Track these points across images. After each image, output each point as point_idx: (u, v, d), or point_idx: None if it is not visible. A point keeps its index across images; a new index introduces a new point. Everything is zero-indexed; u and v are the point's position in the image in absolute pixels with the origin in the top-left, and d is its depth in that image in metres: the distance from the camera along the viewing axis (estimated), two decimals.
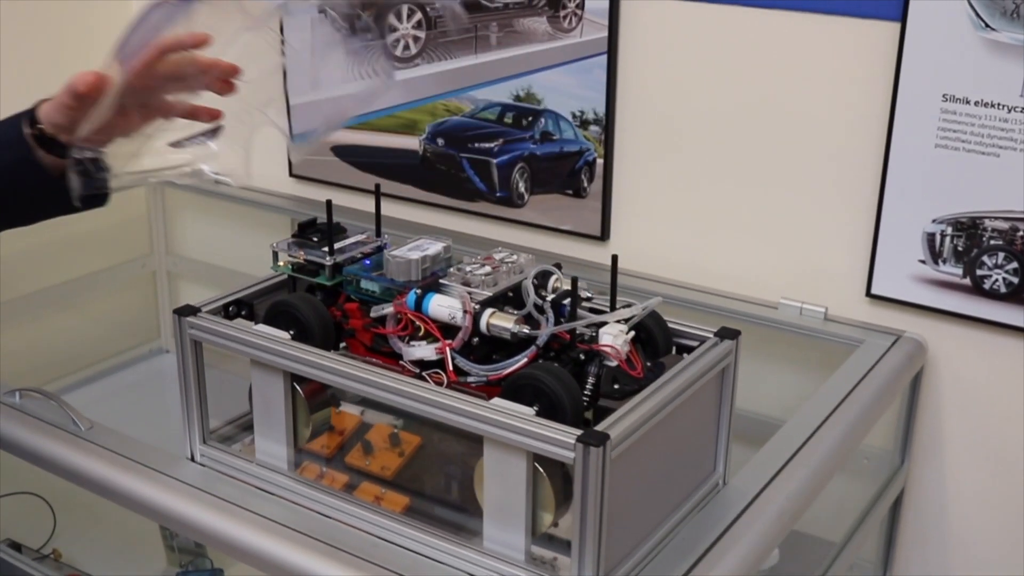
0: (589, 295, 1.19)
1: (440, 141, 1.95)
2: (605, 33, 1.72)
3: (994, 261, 1.52)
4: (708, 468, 1.23)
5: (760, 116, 1.64)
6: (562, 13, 1.76)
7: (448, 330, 1.15)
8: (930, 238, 1.56)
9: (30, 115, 1.11)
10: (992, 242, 1.51)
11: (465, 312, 1.13)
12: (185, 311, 1.24)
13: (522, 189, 1.89)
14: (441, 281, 1.18)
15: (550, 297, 1.16)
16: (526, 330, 1.12)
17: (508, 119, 1.87)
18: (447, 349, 1.13)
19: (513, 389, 1.08)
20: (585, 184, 1.82)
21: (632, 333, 1.13)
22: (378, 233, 1.33)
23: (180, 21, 1.06)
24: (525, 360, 1.11)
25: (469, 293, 1.16)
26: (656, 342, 1.19)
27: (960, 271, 1.55)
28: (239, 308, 1.29)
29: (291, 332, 1.22)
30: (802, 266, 1.67)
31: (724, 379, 1.20)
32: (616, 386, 1.10)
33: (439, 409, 1.07)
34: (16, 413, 1.38)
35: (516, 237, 1.91)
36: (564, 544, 1.12)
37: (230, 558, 1.28)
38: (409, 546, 1.13)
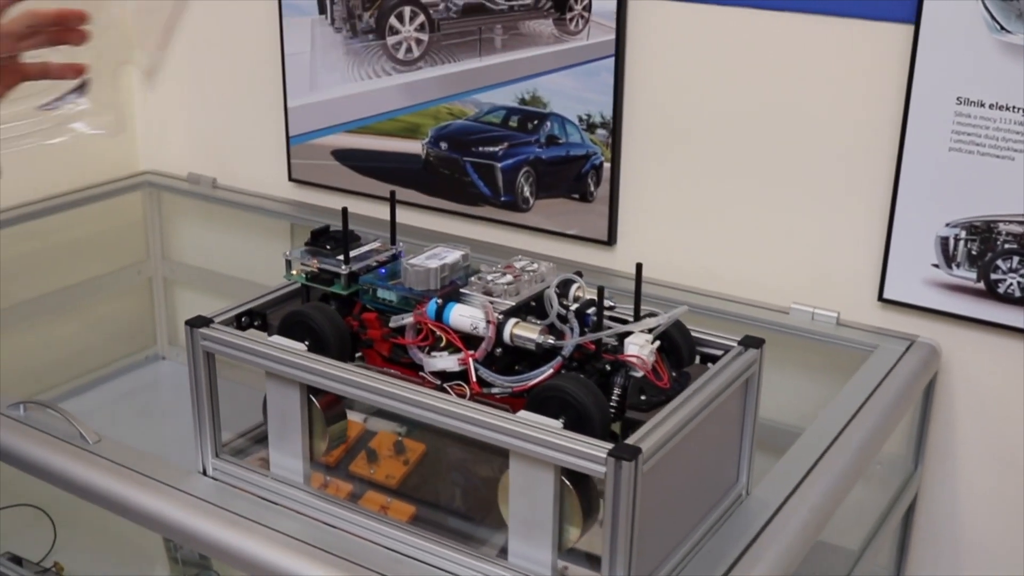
0: (611, 303, 1.17)
1: (443, 145, 1.93)
2: (612, 36, 1.71)
3: (1009, 265, 1.51)
4: (731, 479, 1.21)
5: (770, 119, 1.63)
6: (568, 15, 1.74)
7: (469, 340, 1.13)
8: (943, 242, 1.54)
9: None
10: (1007, 246, 1.50)
11: (488, 322, 1.11)
12: (197, 322, 1.22)
13: (527, 193, 1.87)
14: (462, 291, 1.16)
15: (573, 306, 1.14)
16: (551, 340, 1.10)
17: (513, 123, 1.85)
18: (470, 360, 1.10)
19: (539, 401, 1.06)
20: (592, 188, 1.80)
21: (657, 343, 1.11)
22: (393, 241, 1.31)
23: None
24: (551, 371, 1.09)
25: (491, 303, 1.13)
26: (680, 351, 1.17)
27: (974, 275, 1.53)
28: (252, 318, 1.27)
29: (306, 343, 1.19)
30: (814, 271, 1.66)
31: (748, 388, 1.18)
32: (643, 397, 1.08)
33: (464, 422, 1.05)
34: (21, 427, 1.35)
35: (521, 242, 1.89)
36: (583, 556, 1.10)
37: (239, 572, 1.26)
38: (433, 562, 1.11)
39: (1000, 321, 1.53)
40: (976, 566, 1.65)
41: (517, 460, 1.04)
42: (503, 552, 1.13)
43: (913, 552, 1.70)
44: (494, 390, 1.11)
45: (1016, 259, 1.50)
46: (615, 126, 1.75)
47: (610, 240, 1.81)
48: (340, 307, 1.25)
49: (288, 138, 2.10)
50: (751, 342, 1.19)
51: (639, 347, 1.09)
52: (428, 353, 1.14)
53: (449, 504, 1.22)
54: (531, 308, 1.16)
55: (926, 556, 1.69)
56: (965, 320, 1.56)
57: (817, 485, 1.24)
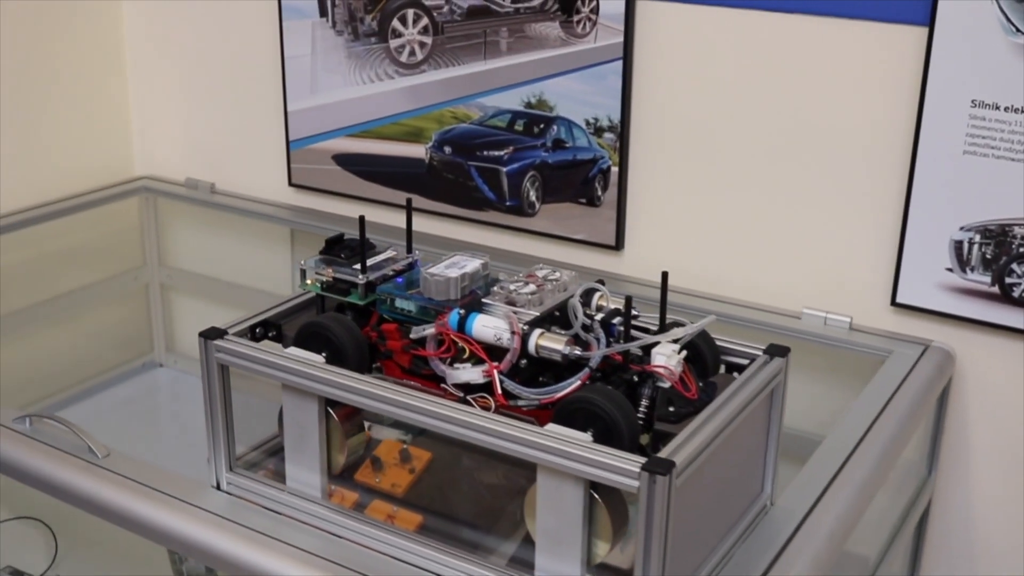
0: (636, 313, 1.16)
1: (447, 149, 1.91)
2: (620, 38, 1.69)
3: (1023, 269, 1.50)
4: (756, 489, 1.20)
5: (782, 123, 1.61)
6: (576, 18, 1.72)
7: (492, 352, 1.11)
8: (957, 246, 1.53)
9: None
10: (1021, 249, 1.49)
11: (513, 333, 1.08)
12: (211, 334, 1.19)
13: (533, 198, 1.85)
14: (484, 300, 1.14)
15: (598, 316, 1.12)
16: (578, 351, 1.08)
17: (519, 126, 1.83)
18: (495, 372, 1.08)
19: (566, 413, 1.04)
20: (599, 192, 1.78)
21: (684, 353, 1.10)
22: (409, 249, 1.29)
23: None
24: (578, 383, 1.07)
25: (515, 313, 1.11)
26: (705, 361, 1.15)
27: (988, 279, 1.52)
28: (266, 329, 1.24)
29: (324, 354, 1.17)
30: (826, 275, 1.64)
31: (774, 398, 1.17)
32: (671, 409, 1.06)
33: (491, 436, 1.03)
34: (28, 440, 1.32)
35: (527, 247, 1.87)
36: (609, 570, 1.08)
37: None
38: None
39: (1015, 325, 1.52)
40: (990, 571, 1.64)
41: (545, 474, 1.02)
42: (513, 562, 1.12)
43: (927, 558, 1.69)
44: (520, 402, 1.09)
45: None
46: (623, 130, 1.73)
47: (618, 245, 1.80)
48: (355, 317, 1.23)
49: (288, 142, 2.07)
50: (776, 351, 1.17)
51: (666, 357, 1.07)
52: (450, 365, 1.12)
53: (457, 513, 1.20)
54: (554, 318, 1.14)
55: (940, 561, 1.68)
56: (979, 324, 1.55)
57: (841, 494, 1.23)
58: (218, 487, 1.24)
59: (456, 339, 1.11)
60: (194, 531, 1.18)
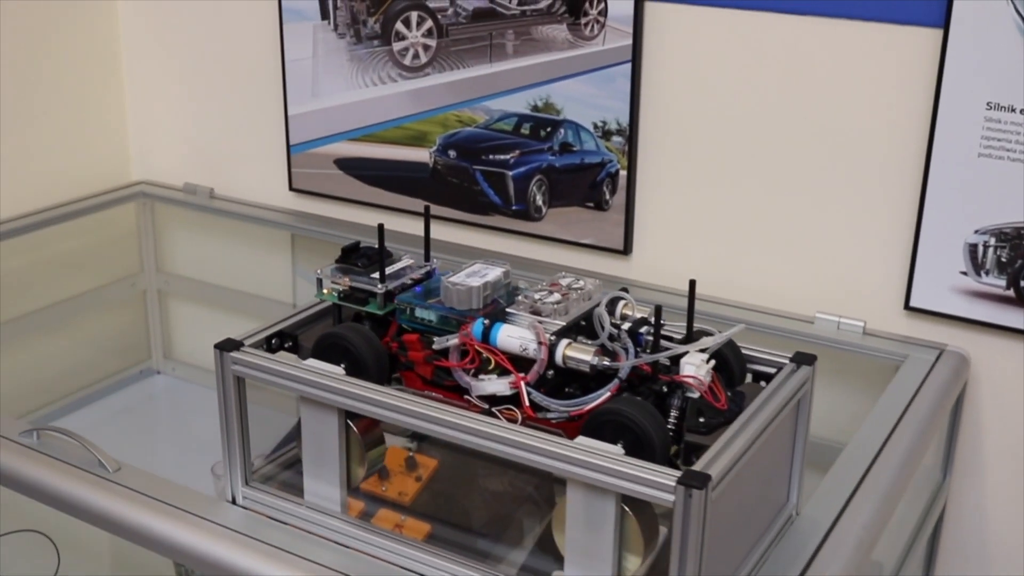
0: (663, 322, 1.14)
1: (452, 153, 1.89)
2: (629, 41, 1.67)
3: None
4: (782, 499, 1.18)
5: (793, 125, 1.60)
6: (583, 20, 1.70)
7: (517, 362, 1.09)
8: (972, 249, 1.52)
9: None
10: None
11: (540, 344, 1.06)
12: (227, 345, 1.17)
13: (539, 202, 1.83)
14: (508, 310, 1.12)
15: (625, 326, 1.10)
16: (606, 362, 1.06)
17: (525, 130, 1.81)
18: (522, 383, 1.06)
19: (595, 425, 1.02)
20: (607, 196, 1.76)
21: (713, 362, 1.08)
22: (427, 257, 1.26)
23: None
24: (608, 394, 1.05)
25: (540, 322, 1.09)
26: (732, 370, 1.13)
27: (1003, 282, 1.51)
28: (282, 340, 1.22)
29: (343, 366, 1.15)
30: (839, 279, 1.63)
31: (801, 407, 1.15)
32: (701, 419, 1.05)
33: (520, 449, 1.01)
34: (36, 455, 1.29)
35: (533, 251, 1.85)
36: None
37: None
38: None
39: None
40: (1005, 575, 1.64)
41: (575, 488, 1.00)
42: (524, 570, 1.11)
43: (941, 563, 1.67)
44: (549, 415, 1.07)
45: None
46: (631, 133, 1.71)
47: (626, 249, 1.78)
48: (372, 327, 1.21)
49: (288, 146, 2.05)
50: (803, 359, 1.15)
51: (696, 367, 1.06)
52: (475, 376, 1.10)
53: (464, 521, 1.18)
54: (580, 328, 1.12)
55: (954, 565, 1.67)
56: (994, 328, 1.54)
57: (866, 503, 1.22)
58: (233, 501, 1.22)
59: (481, 350, 1.09)
60: (211, 547, 1.15)
